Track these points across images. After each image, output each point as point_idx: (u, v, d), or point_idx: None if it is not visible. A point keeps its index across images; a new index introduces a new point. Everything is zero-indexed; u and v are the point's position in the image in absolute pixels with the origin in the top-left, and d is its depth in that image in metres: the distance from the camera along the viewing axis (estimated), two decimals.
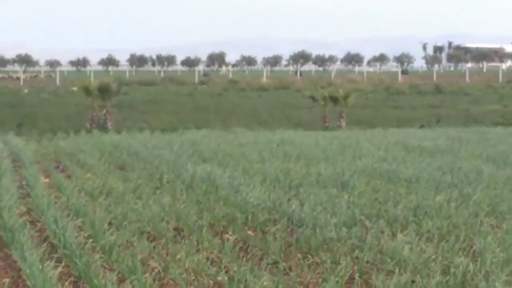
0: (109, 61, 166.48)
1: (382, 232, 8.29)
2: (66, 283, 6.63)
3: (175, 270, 7.11)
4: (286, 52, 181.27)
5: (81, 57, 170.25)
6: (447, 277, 6.55)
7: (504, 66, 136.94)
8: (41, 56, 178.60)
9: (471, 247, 7.68)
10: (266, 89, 64.04)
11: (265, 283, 6.60)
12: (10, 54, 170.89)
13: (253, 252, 7.85)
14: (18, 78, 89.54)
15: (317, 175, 12.85)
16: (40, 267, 6.89)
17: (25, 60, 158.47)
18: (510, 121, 33.42)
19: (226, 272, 7.09)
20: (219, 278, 6.87)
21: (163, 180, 12.75)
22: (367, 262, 7.22)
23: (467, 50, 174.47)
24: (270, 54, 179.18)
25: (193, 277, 6.95)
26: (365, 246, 7.68)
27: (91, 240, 8.36)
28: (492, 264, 6.84)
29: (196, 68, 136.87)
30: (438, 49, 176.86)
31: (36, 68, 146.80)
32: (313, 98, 37.72)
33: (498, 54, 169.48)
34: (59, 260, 7.48)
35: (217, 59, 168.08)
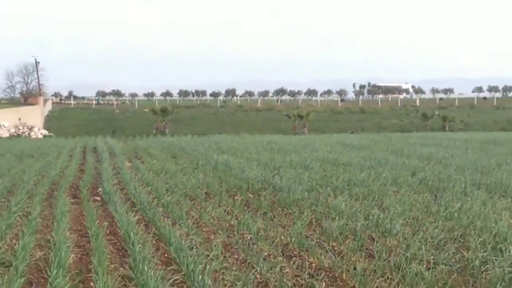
0: (167, 93, 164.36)
1: (329, 195, 8.15)
2: (141, 225, 6.52)
3: (206, 217, 7.03)
4: (272, 88, 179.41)
5: (150, 91, 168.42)
6: (367, 222, 6.48)
7: (401, 97, 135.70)
8: (126, 90, 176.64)
9: (382, 204, 7.57)
10: (260, 110, 63.51)
11: (259, 225, 6.52)
12: (108, 89, 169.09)
13: (252, 207, 7.73)
14: (112, 104, 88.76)
15: (290, 161, 12.64)
16: (126, 216, 6.81)
17: (117, 93, 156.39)
18: (405, 130, 33.29)
19: (236, 218, 6.97)
20: (232, 222, 6.80)
21: (199, 164, 12.60)
22: (320, 212, 7.09)
23: (379, 87, 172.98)
24: (262, 89, 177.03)
25: (216, 221, 6.86)
26: (319, 203, 7.54)
27: (156, 199, 8.27)
28: (394, 213, 6.76)
29: (218, 98, 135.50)
30: (362, 87, 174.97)
31: (123, 98, 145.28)
32: (288, 115, 37.56)
33: (398, 90, 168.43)
34: (136, 212, 7.41)
35: (231, 92, 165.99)
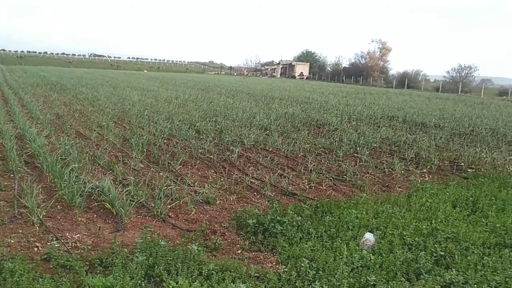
0: None
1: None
2: (16, 96, 17.28)
3: (38, 91, 18.78)
4: None
5: None
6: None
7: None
8: None
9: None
10: None
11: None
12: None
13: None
14: None
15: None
16: (8, 91, 17.93)
17: None
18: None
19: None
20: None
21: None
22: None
23: None
24: None
25: (43, 95, 17.80)
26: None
27: (20, 85, 18.84)
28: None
29: None
30: None
31: None
32: None
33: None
34: (14, 91, 18.52)
35: None
